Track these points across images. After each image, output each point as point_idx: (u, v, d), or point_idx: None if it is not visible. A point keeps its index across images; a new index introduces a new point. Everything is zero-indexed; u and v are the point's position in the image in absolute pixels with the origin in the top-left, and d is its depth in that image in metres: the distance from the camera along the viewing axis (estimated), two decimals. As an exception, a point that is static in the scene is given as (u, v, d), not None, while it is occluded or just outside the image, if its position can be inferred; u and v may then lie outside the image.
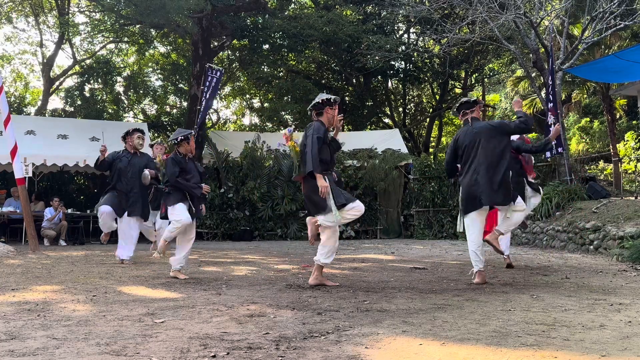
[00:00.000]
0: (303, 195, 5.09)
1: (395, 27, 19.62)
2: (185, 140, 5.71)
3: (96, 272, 6.05)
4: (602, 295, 4.36)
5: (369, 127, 21.27)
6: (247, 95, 24.58)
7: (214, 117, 24.56)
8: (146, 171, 7.27)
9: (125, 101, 22.12)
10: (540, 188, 6.57)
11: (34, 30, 21.29)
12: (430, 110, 23.30)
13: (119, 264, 7.00)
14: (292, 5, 20.10)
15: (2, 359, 2.54)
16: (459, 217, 5.49)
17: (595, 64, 12.08)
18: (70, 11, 19.21)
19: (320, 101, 5.02)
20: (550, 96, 10.78)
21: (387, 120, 22.47)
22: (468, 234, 5.22)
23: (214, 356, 2.57)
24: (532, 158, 7.03)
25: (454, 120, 26.31)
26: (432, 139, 23.85)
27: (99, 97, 20.64)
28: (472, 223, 5.17)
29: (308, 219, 5.12)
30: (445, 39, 13.04)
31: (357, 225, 13.65)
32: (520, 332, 3.03)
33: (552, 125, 10.52)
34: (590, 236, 8.22)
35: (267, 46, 18.32)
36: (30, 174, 11.53)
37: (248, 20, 16.93)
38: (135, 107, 23.11)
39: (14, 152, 9.03)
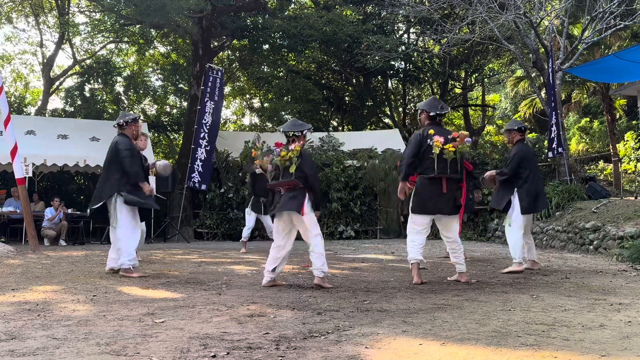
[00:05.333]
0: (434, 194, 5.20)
1: (395, 27, 19.60)
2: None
3: (96, 272, 6.05)
4: (602, 295, 4.36)
5: (369, 127, 21.26)
6: (247, 95, 24.57)
7: (214, 117, 24.57)
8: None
9: (125, 101, 22.10)
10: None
11: (34, 30, 21.28)
12: (430, 110, 23.26)
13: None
14: (292, 5, 20.08)
15: (2, 359, 2.54)
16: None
17: (595, 64, 12.06)
18: (70, 11, 19.18)
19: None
20: (551, 96, 10.78)
21: (387, 120, 22.45)
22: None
23: (214, 356, 2.57)
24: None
25: (453, 121, 26.31)
26: (432, 139, 23.79)
27: (99, 97, 20.62)
28: None
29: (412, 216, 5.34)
30: (445, 39, 13.02)
31: (357, 225, 13.65)
32: (520, 332, 3.03)
33: (554, 125, 10.50)
34: (590, 236, 8.22)
35: (267, 46, 18.30)
36: (30, 174, 11.53)
37: (248, 20, 16.91)
38: (135, 107, 23.08)
39: (14, 152, 9.02)
